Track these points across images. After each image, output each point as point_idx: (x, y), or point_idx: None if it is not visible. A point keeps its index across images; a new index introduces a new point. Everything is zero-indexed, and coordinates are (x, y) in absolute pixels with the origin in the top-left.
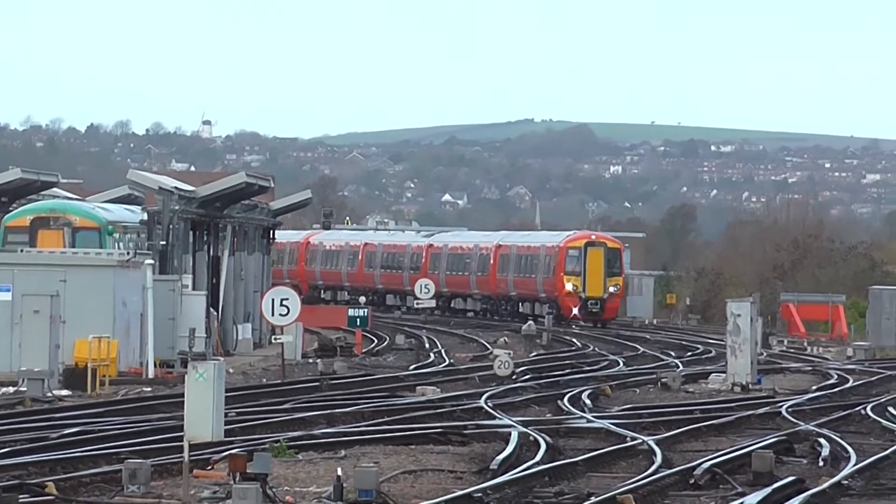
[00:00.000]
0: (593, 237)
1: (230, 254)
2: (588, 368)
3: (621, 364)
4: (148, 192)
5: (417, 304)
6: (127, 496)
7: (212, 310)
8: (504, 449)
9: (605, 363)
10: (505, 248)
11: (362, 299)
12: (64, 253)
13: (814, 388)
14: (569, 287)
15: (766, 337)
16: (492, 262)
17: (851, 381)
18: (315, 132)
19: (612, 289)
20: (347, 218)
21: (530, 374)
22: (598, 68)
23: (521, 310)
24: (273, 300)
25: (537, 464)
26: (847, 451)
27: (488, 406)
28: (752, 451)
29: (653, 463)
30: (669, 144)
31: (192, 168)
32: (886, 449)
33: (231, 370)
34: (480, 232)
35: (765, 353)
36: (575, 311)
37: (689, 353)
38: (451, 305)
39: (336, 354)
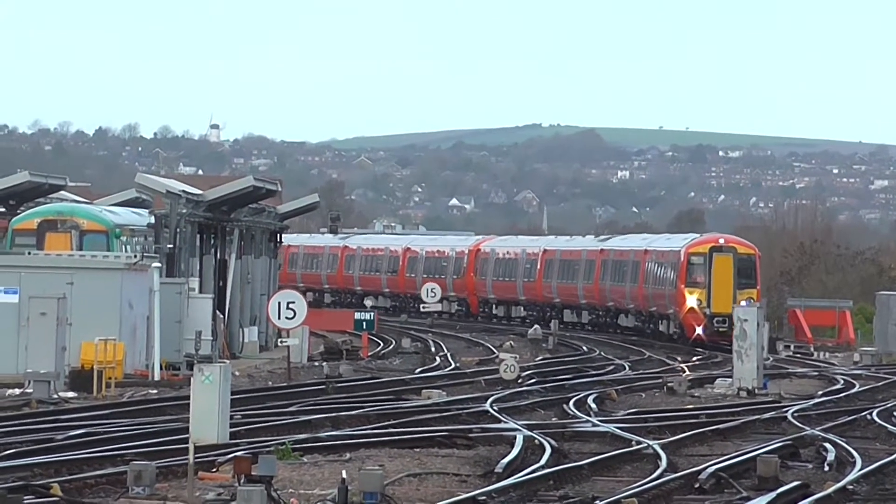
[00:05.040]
0: (721, 241)
1: (237, 257)
2: (594, 372)
3: (627, 368)
4: (155, 196)
5: (424, 307)
6: (132, 497)
7: (218, 313)
8: (509, 452)
9: (611, 367)
10: (649, 253)
11: None
12: (71, 256)
13: (820, 393)
14: (691, 302)
15: (772, 342)
16: (641, 270)
17: (858, 386)
18: (323, 136)
19: (743, 303)
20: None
21: (536, 377)
22: (606, 73)
23: (660, 328)
24: (279, 303)
25: (542, 467)
26: (853, 456)
27: (494, 410)
28: (758, 455)
29: (658, 467)
30: (677, 149)
31: (200, 172)
32: (892, 454)
33: (237, 373)
34: (639, 236)
35: (771, 359)
36: (699, 330)
37: (696, 358)
38: (617, 321)
39: (342, 358)
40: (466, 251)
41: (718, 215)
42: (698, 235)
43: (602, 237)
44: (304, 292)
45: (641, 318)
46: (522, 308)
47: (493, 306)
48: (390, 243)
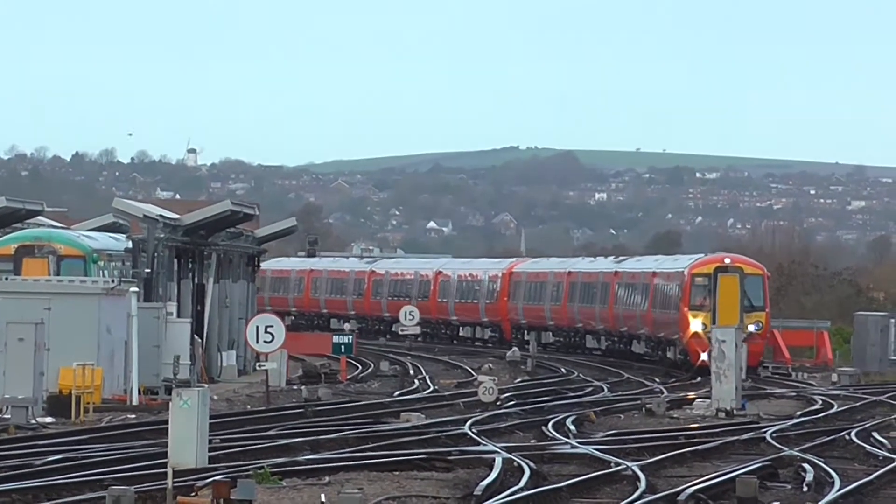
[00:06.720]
0: (727, 261)
1: (215, 281)
2: (573, 394)
3: (606, 390)
4: (133, 221)
5: (402, 330)
6: None
7: (196, 337)
8: (488, 475)
9: (590, 389)
10: (657, 275)
11: None
12: (49, 281)
13: (798, 413)
14: (695, 326)
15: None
16: (649, 293)
17: (836, 406)
18: (300, 160)
19: (751, 327)
20: None
21: (515, 400)
22: (584, 95)
23: (667, 354)
24: (258, 327)
25: (521, 489)
26: (831, 477)
27: (472, 432)
28: (737, 476)
29: (637, 488)
30: (654, 171)
31: (177, 196)
32: (871, 474)
33: (215, 397)
34: (652, 257)
35: (749, 379)
36: (703, 356)
37: (674, 379)
38: (631, 348)
39: (320, 381)
40: (500, 275)
41: (696, 237)
42: (703, 255)
43: (619, 259)
44: (329, 318)
45: (651, 344)
46: (551, 334)
47: (526, 332)
48: (420, 267)
